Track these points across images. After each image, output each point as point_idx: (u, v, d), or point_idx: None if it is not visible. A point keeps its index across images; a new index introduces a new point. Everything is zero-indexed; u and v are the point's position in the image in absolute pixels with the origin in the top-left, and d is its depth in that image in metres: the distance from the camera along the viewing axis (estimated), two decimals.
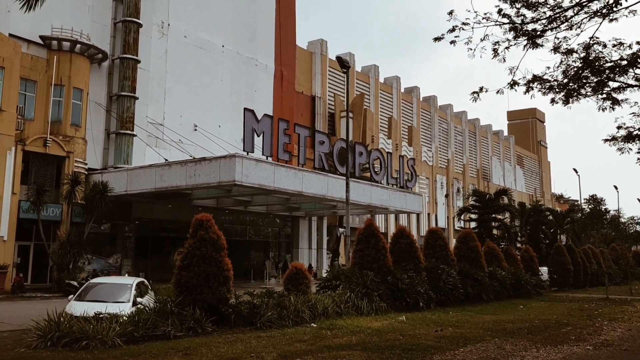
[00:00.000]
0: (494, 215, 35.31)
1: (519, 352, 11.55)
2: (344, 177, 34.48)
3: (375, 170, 36.55)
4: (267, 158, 29.85)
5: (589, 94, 19.28)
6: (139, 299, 15.15)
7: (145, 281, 17.33)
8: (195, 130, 38.57)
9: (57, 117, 30.84)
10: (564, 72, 17.96)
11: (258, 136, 29.23)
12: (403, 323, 15.31)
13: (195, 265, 13.36)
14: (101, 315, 12.54)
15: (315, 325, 14.42)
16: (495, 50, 17.18)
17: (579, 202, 61.81)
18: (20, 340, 13.42)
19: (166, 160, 31.75)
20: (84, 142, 32.16)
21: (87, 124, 32.46)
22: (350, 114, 49.63)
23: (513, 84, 17.86)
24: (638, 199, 68.82)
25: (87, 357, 9.97)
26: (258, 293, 15.39)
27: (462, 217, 38.26)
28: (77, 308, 14.04)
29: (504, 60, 17.24)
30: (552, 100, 19.19)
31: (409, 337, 13.01)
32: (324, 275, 43.51)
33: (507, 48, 17.02)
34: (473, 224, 37.86)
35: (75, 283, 28.15)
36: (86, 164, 32.18)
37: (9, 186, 28.23)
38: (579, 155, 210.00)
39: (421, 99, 61.27)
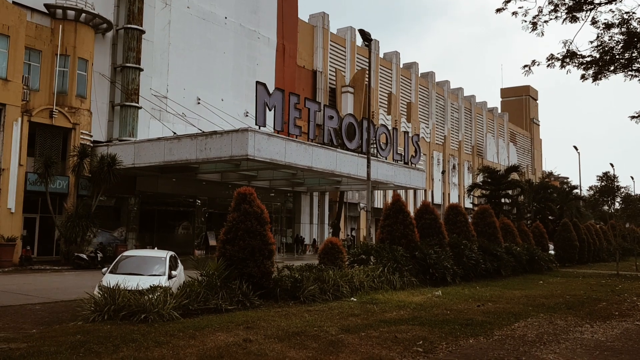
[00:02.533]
0: (505, 192, 35.50)
1: (573, 327, 11.63)
2: (352, 153, 34.50)
3: (382, 146, 36.43)
4: (277, 133, 29.55)
5: (618, 70, 19.37)
6: (173, 272, 15.00)
7: (175, 254, 17.14)
8: (199, 103, 38.07)
9: (62, 88, 30.17)
10: (597, 47, 17.94)
11: (270, 110, 28.84)
12: (440, 298, 15.36)
13: (240, 238, 13.21)
14: (142, 289, 12.39)
15: (355, 300, 14.39)
16: (534, 24, 17.14)
17: (579, 179, 63.19)
18: (61, 314, 13.28)
19: (175, 133, 31.31)
20: (89, 114, 31.56)
21: (91, 96, 31.82)
22: (351, 89, 49.35)
23: (551, 58, 17.88)
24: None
25: (152, 330, 9.81)
26: (297, 267, 15.30)
27: (472, 193, 38.40)
28: (114, 281, 13.84)
29: (542, 34, 17.24)
30: (582, 77, 19.24)
31: (455, 312, 13.04)
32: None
33: (545, 22, 16.99)
34: (482, 201, 38.08)
35: (84, 256, 27.97)
36: (91, 136, 31.64)
37: (15, 158, 27.69)
38: (564, 133, 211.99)
39: (419, 75, 61.02)
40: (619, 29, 16.98)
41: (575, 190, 42.53)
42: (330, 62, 48.96)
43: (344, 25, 52.74)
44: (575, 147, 46.50)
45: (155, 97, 35.14)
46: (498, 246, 23.16)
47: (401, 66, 58.21)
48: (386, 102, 54.95)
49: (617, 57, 17.69)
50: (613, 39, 17.17)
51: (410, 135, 40.32)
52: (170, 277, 14.68)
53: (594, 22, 17.25)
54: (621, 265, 33.42)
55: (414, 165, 39.90)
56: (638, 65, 18.99)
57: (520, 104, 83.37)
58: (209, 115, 36.55)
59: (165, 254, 15.89)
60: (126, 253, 15.95)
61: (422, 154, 38.97)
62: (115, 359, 8.05)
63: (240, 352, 8.51)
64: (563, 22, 16.69)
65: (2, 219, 26.94)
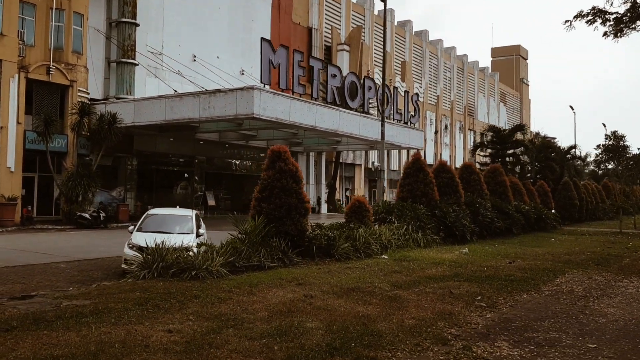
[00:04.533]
0: (511, 151, 35.70)
1: (614, 282, 11.80)
2: (354, 112, 34.19)
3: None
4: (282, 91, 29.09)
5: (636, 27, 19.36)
6: (200, 230, 14.85)
7: (197, 213, 16.94)
8: (194, 60, 37.22)
9: (57, 43, 29.14)
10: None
11: (274, 68, 28.29)
12: (468, 255, 15.46)
13: (277, 197, 13.05)
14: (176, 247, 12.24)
15: (387, 257, 14.41)
16: None
17: (574, 139, 63.69)
18: (90, 272, 13.12)
19: (176, 91, 30.63)
20: (85, 71, 30.66)
21: (87, 52, 30.88)
22: (347, 47, 48.64)
23: (579, 14, 17.78)
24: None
25: (208, 287, 9.70)
26: (328, 225, 15.23)
27: (477, 152, 38.54)
28: (143, 239, 13.66)
29: None
30: (605, 34, 19.18)
31: (491, 268, 13.13)
32: (324, 208, 43.80)
33: None
34: (487, 160, 38.21)
35: (86, 215, 27.62)
36: (88, 93, 30.80)
37: (13, 115, 26.91)
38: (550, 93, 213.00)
39: (413, 34, 60.31)
40: None
41: (574, 150, 43.14)
42: (325, 19, 48.05)
43: None
44: (571, 107, 46.84)
45: (151, 53, 34.27)
46: (509, 205, 23.33)
47: (395, 24, 57.43)
48: (381, 61, 54.37)
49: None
50: None
51: (410, 94, 40.03)
52: (198, 235, 14.54)
53: None
54: (615, 224, 34.06)
55: (413, 125, 39.77)
56: None
57: (510, 63, 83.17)
58: (205, 72, 35.84)
59: (191, 212, 15.70)
60: (151, 211, 15.70)
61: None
62: (185, 315, 7.94)
63: (308, 308, 8.45)
64: None
65: (2, 178, 26.35)
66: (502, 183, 24.28)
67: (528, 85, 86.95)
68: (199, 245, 12.82)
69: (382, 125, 22.51)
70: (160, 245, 11.33)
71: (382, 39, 55.33)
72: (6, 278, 12.00)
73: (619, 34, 19.21)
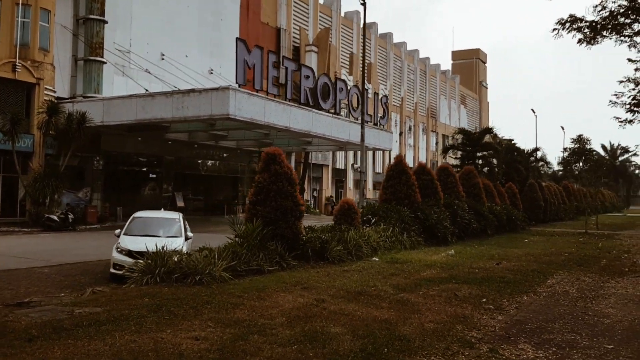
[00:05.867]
0: (482, 153, 36.50)
1: (601, 283, 12.26)
2: (327, 114, 34.30)
3: (353, 106, 36.40)
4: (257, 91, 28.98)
5: (610, 36, 20.20)
6: (189, 234, 14.68)
7: (182, 215, 16.74)
8: (163, 59, 36.63)
9: (23, 40, 28.24)
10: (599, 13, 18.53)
11: (250, 68, 28.15)
12: (454, 257, 15.77)
13: (272, 199, 13.03)
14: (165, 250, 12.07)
15: (378, 260, 14.57)
16: None
17: (535, 141, 65.67)
18: (77, 277, 12.83)
19: (147, 90, 30.11)
20: (52, 69, 29.80)
21: (54, 49, 30.03)
22: (315, 48, 48.73)
23: (559, 21, 18.40)
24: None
25: (216, 292, 9.61)
26: (319, 228, 15.27)
27: (448, 154, 39.25)
28: (133, 243, 13.42)
29: None
30: (580, 40, 19.91)
31: (482, 270, 13.45)
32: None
33: None
34: (456, 162, 38.94)
35: (54, 217, 26.93)
36: (55, 92, 29.97)
37: None
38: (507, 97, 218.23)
39: (378, 36, 60.88)
40: None
41: (537, 152, 44.44)
42: (293, 19, 48.01)
43: None
44: (532, 110, 48.27)
45: (119, 51, 33.58)
46: (483, 206, 23.87)
47: (361, 26, 57.79)
48: (348, 62, 54.72)
49: (617, 21, 18.30)
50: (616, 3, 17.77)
51: (379, 96, 40.42)
52: (187, 238, 14.37)
53: None
54: (580, 223, 35.23)
55: (382, 127, 40.16)
56: (629, 32, 19.88)
57: (470, 66, 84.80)
58: (174, 71, 35.33)
59: (178, 215, 15.49)
60: (138, 214, 15.39)
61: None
62: (203, 321, 7.88)
63: (324, 312, 8.49)
64: None
65: None
66: (476, 185, 24.84)
67: (487, 88, 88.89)
68: (188, 251, 12.61)
69: (362, 128, 22.71)
70: (162, 250, 11.14)
71: (349, 41, 55.75)
72: None
73: (592, 42, 20.02)
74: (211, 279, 10.47)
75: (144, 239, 13.37)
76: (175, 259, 10.88)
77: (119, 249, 13.29)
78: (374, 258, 14.74)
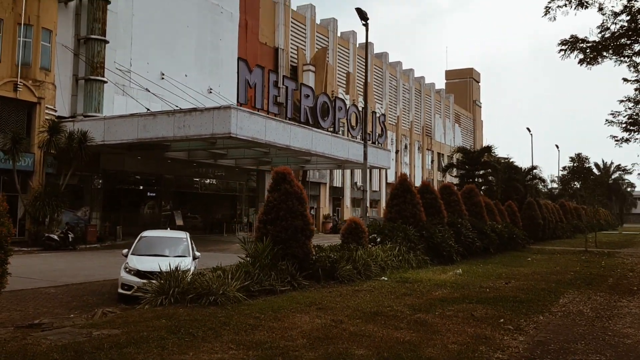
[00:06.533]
0: (481, 172, 36.68)
1: (613, 302, 12.27)
2: (326, 132, 34.45)
3: (352, 125, 36.54)
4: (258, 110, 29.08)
5: (610, 56, 20.47)
6: (196, 253, 14.64)
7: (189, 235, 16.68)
8: (163, 78, 36.76)
9: (25, 60, 28.32)
10: (601, 32, 18.76)
11: (251, 87, 28.27)
12: (462, 276, 15.75)
13: (283, 219, 13.01)
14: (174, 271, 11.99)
15: (387, 279, 14.53)
16: (547, 9, 17.75)
17: (531, 160, 66.02)
18: (85, 297, 12.73)
19: (148, 109, 30.15)
20: (53, 88, 29.86)
21: (55, 69, 30.09)
22: (312, 68, 49.01)
23: (562, 42, 18.64)
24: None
25: (232, 313, 9.54)
26: (327, 247, 15.25)
27: (447, 173, 39.34)
28: (141, 262, 13.36)
29: (554, 19, 17.97)
30: (581, 61, 20.14)
31: (492, 289, 13.43)
32: None
33: (559, 7, 17.60)
34: (456, 180, 39.09)
35: (55, 236, 26.83)
36: (56, 111, 29.99)
37: None
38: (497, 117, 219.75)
39: (374, 55, 61.36)
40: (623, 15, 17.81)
41: (534, 171, 44.71)
42: (291, 39, 48.33)
43: (304, 3, 52.02)
44: (528, 129, 48.69)
45: (120, 70, 33.68)
46: (485, 225, 23.93)
47: (357, 46, 58.33)
48: (344, 81, 55.04)
49: (617, 42, 18.54)
50: (617, 24, 18.01)
51: (377, 115, 40.63)
52: (194, 257, 14.33)
53: (600, 8, 18.10)
54: (578, 241, 35.32)
55: (380, 145, 40.32)
56: (629, 52, 20.16)
57: (464, 85, 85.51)
58: (173, 90, 35.44)
59: (185, 235, 15.44)
60: (145, 234, 15.34)
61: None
62: (224, 343, 7.81)
63: (344, 334, 8.44)
64: (575, 7, 17.44)
65: None
66: (477, 203, 24.93)
67: (480, 107, 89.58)
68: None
69: (365, 146, 22.83)
70: (175, 270, 11.08)
71: (345, 60, 56.12)
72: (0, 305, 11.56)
73: (592, 62, 20.26)
74: (225, 299, 10.40)
75: (153, 259, 13.33)
76: (189, 279, 10.79)
77: (127, 269, 13.22)
78: (383, 277, 14.71)
